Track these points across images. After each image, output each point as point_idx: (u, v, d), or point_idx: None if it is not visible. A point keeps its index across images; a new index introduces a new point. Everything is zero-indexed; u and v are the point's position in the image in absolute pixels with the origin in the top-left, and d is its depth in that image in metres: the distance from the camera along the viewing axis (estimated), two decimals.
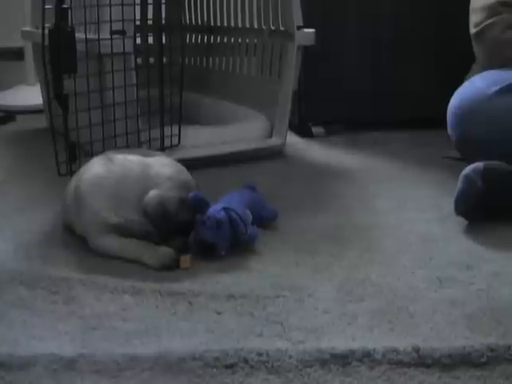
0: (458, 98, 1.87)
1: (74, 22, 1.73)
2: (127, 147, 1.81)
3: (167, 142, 1.98)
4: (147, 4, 2.42)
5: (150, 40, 2.76)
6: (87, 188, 1.41)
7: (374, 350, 1.02)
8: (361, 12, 2.46)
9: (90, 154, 1.71)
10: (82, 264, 1.36)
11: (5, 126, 2.72)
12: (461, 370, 1.00)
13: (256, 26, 2.38)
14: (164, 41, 2.04)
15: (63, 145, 1.78)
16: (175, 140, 1.99)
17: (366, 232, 1.53)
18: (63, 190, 1.53)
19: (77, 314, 1.15)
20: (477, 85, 1.85)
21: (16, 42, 3.04)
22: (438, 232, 1.52)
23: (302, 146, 2.37)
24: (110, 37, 1.82)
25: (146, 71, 1.93)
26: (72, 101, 1.74)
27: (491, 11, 1.91)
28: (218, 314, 1.16)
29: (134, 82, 1.89)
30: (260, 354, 1.01)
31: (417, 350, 1.02)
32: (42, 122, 2.58)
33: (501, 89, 1.77)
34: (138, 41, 2.27)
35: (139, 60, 2.48)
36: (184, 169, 1.46)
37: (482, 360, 1.01)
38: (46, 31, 1.72)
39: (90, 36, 1.80)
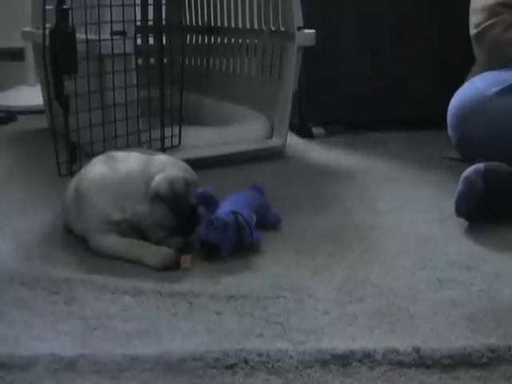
0: (459, 98, 1.87)
1: (74, 22, 1.73)
2: (128, 148, 1.81)
3: (168, 143, 1.98)
4: (148, 5, 2.42)
5: (151, 41, 2.76)
6: (90, 187, 1.41)
7: (375, 350, 1.02)
8: (361, 11, 2.46)
9: (91, 155, 1.71)
10: (82, 264, 1.36)
11: (6, 127, 2.72)
12: (461, 371, 1.00)
13: (256, 26, 2.38)
14: (164, 41, 2.04)
15: (64, 145, 1.78)
16: (176, 140, 1.99)
17: (366, 232, 1.53)
18: (64, 190, 1.53)
19: (77, 315, 1.15)
20: (477, 85, 1.85)
21: (16, 42, 3.04)
22: (438, 233, 1.52)
23: (303, 146, 2.37)
24: (110, 37, 1.82)
25: (146, 72, 1.93)
26: (73, 101, 1.75)
27: (491, 12, 1.91)
28: (219, 314, 1.16)
29: (135, 82, 1.89)
30: (260, 355, 1.01)
31: (417, 350, 1.02)
32: (42, 122, 2.58)
33: (501, 89, 1.77)
34: (139, 41, 2.28)
35: (140, 61, 2.48)
36: (187, 165, 1.47)
37: (483, 361, 1.01)
38: (47, 32, 1.72)
39: (91, 36, 1.80)
